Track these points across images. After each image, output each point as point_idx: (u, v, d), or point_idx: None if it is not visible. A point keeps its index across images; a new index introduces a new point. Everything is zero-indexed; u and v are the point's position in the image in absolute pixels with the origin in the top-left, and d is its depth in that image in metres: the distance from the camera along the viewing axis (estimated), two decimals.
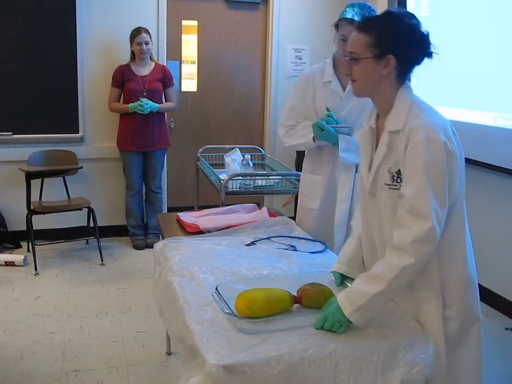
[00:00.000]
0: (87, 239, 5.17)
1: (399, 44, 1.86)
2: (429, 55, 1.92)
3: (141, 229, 5.23)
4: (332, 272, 2.21)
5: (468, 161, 4.20)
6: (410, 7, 4.75)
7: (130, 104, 4.80)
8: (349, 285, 2.05)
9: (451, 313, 1.90)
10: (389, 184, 1.90)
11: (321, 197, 3.03)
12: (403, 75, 1.91)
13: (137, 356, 3.33)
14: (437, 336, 1.87)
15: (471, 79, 4.15)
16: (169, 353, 3.34)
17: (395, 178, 1.87)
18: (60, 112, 5.00)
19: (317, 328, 1.83)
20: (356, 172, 2.93)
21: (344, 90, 2.92)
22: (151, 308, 3.90)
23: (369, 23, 1.92)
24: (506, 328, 3.87)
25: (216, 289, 1.95)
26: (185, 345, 1.85)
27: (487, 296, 4.23)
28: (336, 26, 2.84)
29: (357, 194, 2.91)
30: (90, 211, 4.82)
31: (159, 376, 3.14)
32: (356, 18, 2.72)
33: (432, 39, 1.93)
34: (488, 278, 4.25)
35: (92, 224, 4.91)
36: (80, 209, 4.82)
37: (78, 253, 4.99)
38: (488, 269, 4.23)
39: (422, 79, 4.28)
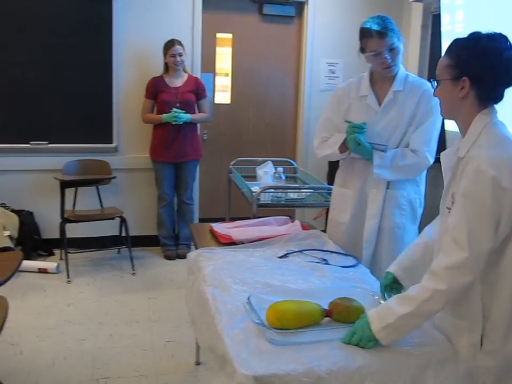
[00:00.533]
0: (119, 248, 5.23)
1: (473, 65, 1.85)
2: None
3: (172, 240, 5.27)
4: (386, 272, 2.24)
5: None
6: (445, 21, 4.73)
7: (164, 115, 4.85)
8: (391, 294, 2.07)
9: (492, 346, 1.83)
10: (449, 208, 1.89)
11: (351, 211, 3.02)
12: (483, 98, 1.88)
13: (167, 365, 3.35)
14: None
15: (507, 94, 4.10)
16: (198, 363, 3.36)
17: (453, 203, 1.86)
18: (95, 122, 5.10)
19: (345, 342, 1.82)
20: (388, 188, 2.95)
21: (380, 105, 2.92)
22: (181, 318, 3.93)
23: (452, 46, 1.95)
24: None
25: (248, 299, 1.96)
26: (216, 354, 1.86)
27: None
28: (362, 49, 2.88)
29: (387, 210, 2.97)
30: (123, 220, 4.89)
31: None
32: (374, 28, 2.77)
33: None
34: None
35: (123, 234, 4.97)
36: (113, 218, 4.88)
37: (109, 262, 5.04)
38: None
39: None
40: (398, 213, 2.99)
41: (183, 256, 5.16)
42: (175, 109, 4.82)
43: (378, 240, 3.02)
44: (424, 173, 3.06)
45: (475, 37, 1.93)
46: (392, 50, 2.81)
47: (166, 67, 4.98)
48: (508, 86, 1.90)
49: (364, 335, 1.81)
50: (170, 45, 4.86)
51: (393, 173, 2.89)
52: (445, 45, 4.67)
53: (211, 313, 2.01)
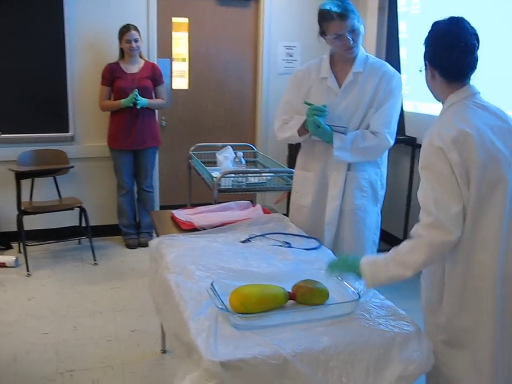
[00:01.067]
0: (79, 239, 5.14)
1: (428, 49, 2.09)
2: (463, 57, 2.01)
3: (133, 228, 5.22)
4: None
5: None
6: (401, 3, 4.76)
7: (122, 100, 4.76)
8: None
9: (444, 320, 1.98)
10: None
11: (313, 194, 3.01)
12: (449, 80, 2.02)
13: (132, 355, 3.32)
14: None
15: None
16: (164, 351, 3.34)
17: None
18: (50, 111, 4.98)
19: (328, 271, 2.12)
20: (349, 170, 2.94)
21: (340, 87, 2.89)
22: (145, 307, 3.90)
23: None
24: None
25: (212, 285, 1.95)
26: (182, 342, 1.85)
27: None
28: (323, 32, 2.84)
29: (348, 191, 2.95)
30: (82, 211, 4.80)
31: (155, 374, 3.13)
32: (334, 10, 2.72)
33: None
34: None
35: (83, 224, 4.89)
36: (72, 208, 4.80)
37: (70, 253, 4.96)
38: None
39: (413, 76, 4.30)
40: (359, 195, 2.98)
41: (145, 245, 5.12)
42: (136, 90, 4.74)
43: (340, 222, 3.01)
44: (386, 154, 3.06)
45: (433, 24, 2.14)
46: (354, 31, 2.78)
47: (122, 53, 4.89)
48: (465, 65, 2.04)
49: (347, 265, 2.06)
50: (125, 30, 4.76)
51: (354, 155, 2.87)
52: (402, 26, 4.73)
53: (175, 301, 1.99)
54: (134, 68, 4.89)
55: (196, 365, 1.67)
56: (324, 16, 2.79)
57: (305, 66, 3.08)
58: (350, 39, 2.78)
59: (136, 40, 4.78)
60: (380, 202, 3.10)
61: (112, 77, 4.85)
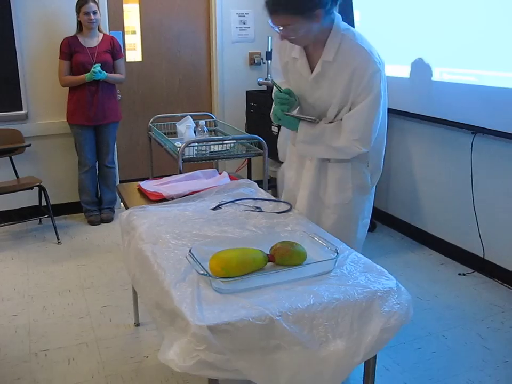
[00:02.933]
0: (40, 219, 5.04)
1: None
2: None
3: (94, 205, 5.14)
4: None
5: (416, 116, 4.32)
6: None
7: (87, 74, 4.63)
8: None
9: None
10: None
11: (294, 169, 2.79)
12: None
13: (106, 330, 3.30)
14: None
15: (416, 35, 4.20)
16: (137, 324, 3.33)
17: None
18: (1, 89, 4.81)
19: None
20: (330, 161, 2.63)
21: (311, 73, 2.48)
22: (114, 282, 3.89)
23: None
24: (459, 274, 4.01)
25: (190, 251, 1.94)
26: (164, 310, 1.84)
27: (440, 245, 4.38)
28: None
29: (329, 183, 2.65)
30: (42, 189, 4.70)
31: (130, 348, 3.12)
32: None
33: None
34: (439, 228, 4.39)
35: (44, 203, 4.80)
36: (31, 188, 4.69)
37: (32, 233, 4.87)
38: (440, 219, 4.37)
39: (368, 38, 4.33)
40: (343, 188, 2.67)
41: (108, 220, 5.09)
42: (95, 64, 4.62)
43: (320, 213, 2.71)
44: (382, 138, 2.65)
45: None
46: (291, 29, 2.32)
47: (80, 26, 4.72)
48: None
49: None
50: (83, 2, 4.59)
51: (319, 151, 2.58)
52: None
53: (154, 270, 1.98)
54: (93, 41, 4.76)
55: (182, 332, 1.67)
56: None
57: None
58: (286, 34, 2.35)
59: (95, 13, 4.63)
60: (372, 186, 2.77)
61: (70, 51, 4.70)
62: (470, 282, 3.90)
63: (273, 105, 2.60)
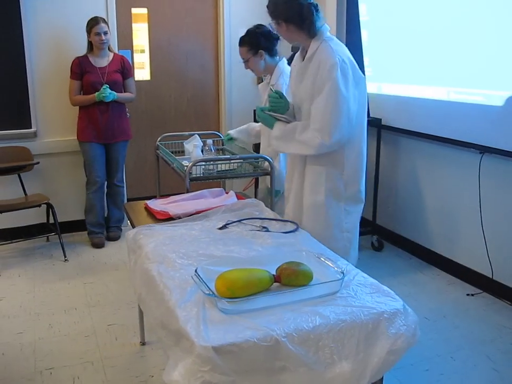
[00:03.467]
0: (48, 236, 5.05)
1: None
2: None
3: (100, 227, 5.07)
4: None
5: (424, 135, 4.33)
6: None
7: (97, 93, 4.66)
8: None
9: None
10: None
11: (288, 181, 3.15)
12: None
13: (112, 349, 3.29)
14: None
15: (424, 56, 4.21)
16: (143, 343, 3.31)
17: None
18: (11, 108, 4.85)
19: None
20: (306, 163, 2.92)
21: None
22: (120, 300, 3.88)
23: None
24: (468, 294, 3.98)
25: (196, 271, 1.94)
26: (169, 330, 1.84)
27: (448, 265, 4.35)
28: None
29: (307, 186, 2.94)
30: (50, 207, 4.72)
31: (136, 367, 3.11)
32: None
33: None
34: (448, 248, 4.36)
35: (51, 221, 4.81)
36: (39, 205, 4.70)
37: (39, 251, 4.88)
38: (448, 239, 4.34)
39: (377, 57, 4.35)
40: (315, 190, 2.93)
41: (115, 239, 5.09)
42: (105, 85, 4.65)
43: (302, 216, 2.96)
44: (360, 145, 2.89)
45: None
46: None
47: (90, 46, 4.76)
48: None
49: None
50: (94, 23, 4.63)
51: (289, 146, 2.87)
52: (362, 8, 4.75)
53: (160, 290, 1.98)
54: (103, 61, 4.78)
55: (187, 352, 1.66)
56: None
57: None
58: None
59: (105, 33, 4.67)
60: (347, 198, 2.92)
61: (81, 70, 4.73)
62: (479, 303, 3.87)
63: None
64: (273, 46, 3.76)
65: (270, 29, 3.13)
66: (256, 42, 3.70)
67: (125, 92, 4.91)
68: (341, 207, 2.90)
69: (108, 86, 4.66)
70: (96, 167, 4.91)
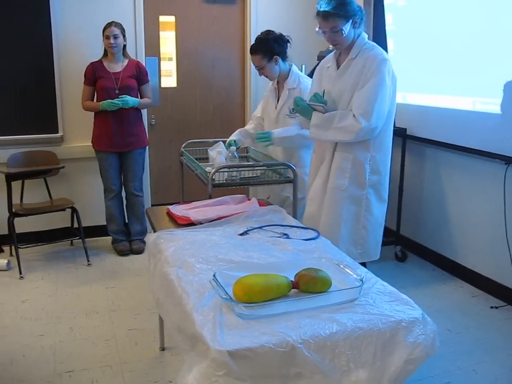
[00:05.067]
0: (72, 240, 5.10)
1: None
2: None
3: (122, 234, 5.06)
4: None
5: (449, 146, 4.29)
6: None
7: (102, 102, 4.64)
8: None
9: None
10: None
11: (314, 173, 3.48)
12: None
13: (131, 353, 3.30)
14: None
15: (449, 65, 4.18)
16: (162, 349, 3.32)
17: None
18: (39, 112, 4.92)
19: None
20: (335, 150, 3.28)
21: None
22: (141, 305, 3.89)
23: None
24: (492, 307, 3.91)
25: (214, 276, 1.94)
26: (186, 334, 1.84)
27: (472, 277, 4.29)
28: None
29: (332, 171, 3.30)
30: (74, 211, 4.76)
31: (155, 372, 3.11)
32: (322, 8, 3.08)
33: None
34: (472, 260, 4.30)
35: (76, 225, 4.86)
36: (64, 209, 4.76)
37: (63, 255, 4.93)
38: (472, 251, 4.28)
39: (402, 67, 4.32)
40: (340, 175, 3.24)
41: (139, 252, 4.98)
42: (122, 96, 4.63)
43: (323, 200, 3.33)
44: (385, 140, 3.27)
45: None
46: (336, 32, 3.07)
47: (106, 51, 4.78)
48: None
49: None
50: (106, 26, 4.63)
51: (328, 133, 3.18)
52: (388, 18, 4.74)
53: (178, 294, 1.98)
54: (117, 66, 4.77)
55: (202, 356, 1.66)
56: (316, 11, 3.11)
57: (324, 59, 3.47)
58: (331, 37, 3.11)
59: (115, 37, 4.62)
60: (370, 187, 3.27)
61: (94, 76, 4.72)
62: (502, 315, 3.80)
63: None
64: (285, 50, 3.90)
65: (319, 36, 3.19)
66: (270, 48, 3.81)
67: (141, 97, 4.86)
68: (363, 195, 3.27)
69: (126, 95, 4.65)
70: (111, 176, 4.89)
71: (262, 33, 3.91)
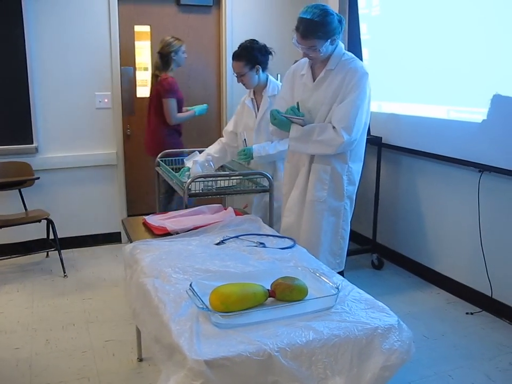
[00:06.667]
0: (47, 252, 5.05)
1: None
2: None
3: None
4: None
5: (424, 154, 4.34)
6: (362, 5, 4.82)
7: (196, 107, 5.00)
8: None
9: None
10: None
11: (289, 184, 3.45)
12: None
13: (108, 365, 3.27)
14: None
15: (424, 74, 4.23)
16: (140, 360, 3.30)
17: None
18: (12, 123, 4.88)
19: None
20: (312, 162, 3.26)
21: (314, 81, 3.21)
22: (118, 316, 3.87)
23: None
24: (467, 313, 3.96)
25: (190, 285, 1.94)
26: (163, 345, 1.83)
27: (448, 283, 4.33)
28: None
29: (311, 183, 3.28)
30: (50, 223, 4.72)
31: (132, 383, 3.09)
32: (301, 29, 3.05)
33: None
34: (447, 267, 4.35)
35: (51, 236, 4.81)
36: (39, 221, 4.71)
37: (38, 266, 4.88)
38: (447, 258, 4.33)
39: (377, 76, 4.37)
40: (319, 187, 3.24)
41: None
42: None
43: (302, 211, 3.31)
44: (359, 151, 3.27)
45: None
46: (314, 50, 3.07)
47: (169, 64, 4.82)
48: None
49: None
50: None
51: (308, 146, 3.16)
52: (363, 27, 4.79)
53: (154, 304, 1.97)
54: None
55: (179, 366, 1.65)
56: (296, 25, 3.09)
57: (296, 63, 3.43)
58: (308, 52, 3.09)
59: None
60: (347, 197, 3.29)
61: None
62: (478, 321, 3.85)
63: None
64: (267, 61, 3.93)
65: (295, 46, 3.15)
66: (254, 57, 3.84)
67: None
68: (342, 204, 3.28)
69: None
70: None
71: (246, 41, 3.91)
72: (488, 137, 3.75)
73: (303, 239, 3.23)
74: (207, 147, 5.01)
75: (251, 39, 3.92)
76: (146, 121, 5.00)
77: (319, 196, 3.24)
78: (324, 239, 3.29)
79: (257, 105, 4.00)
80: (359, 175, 3.36)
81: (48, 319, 3.86)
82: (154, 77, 4.87)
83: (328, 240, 3.31)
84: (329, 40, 3.05)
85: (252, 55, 3.83)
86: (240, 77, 3.89)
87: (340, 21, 3.08)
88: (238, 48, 3.90)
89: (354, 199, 3.36)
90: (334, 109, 3.10)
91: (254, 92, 4.03)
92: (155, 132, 4.91)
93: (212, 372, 1.58)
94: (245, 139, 3.92)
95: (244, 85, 3.96)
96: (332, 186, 3.23)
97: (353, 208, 3.40)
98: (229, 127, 4.27)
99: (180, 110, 4.87)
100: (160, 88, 4.76)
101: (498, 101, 3.63)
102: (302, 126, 3.17)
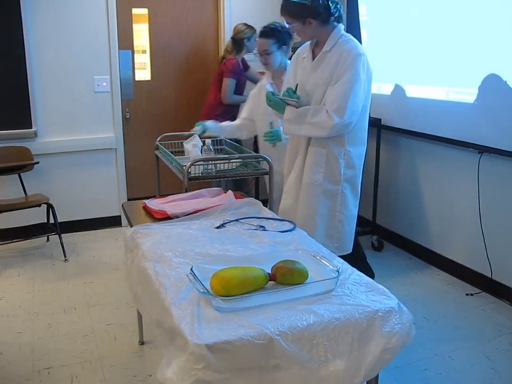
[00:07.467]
0: (48, 236, 5.06)
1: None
2: None
3: None
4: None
5: (424, 135, 4.32)
6: None
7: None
8: None
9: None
10: None
11: (288, 165, 3.45)
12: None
13: (110, 348, 3.29)
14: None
15: (423, 55, 4.21)
16: (142, 343, 3.32)
17: None
18: (11, 107, 4.86)
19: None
20: (309, 145, 3.24)
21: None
22: (119, 300, 3.88)
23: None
24: (467, 294, 3.97)
25: (191, 270, 1.94)
26: (164, 329, 1.84)
27: (447, 265, 4.34)
28: None
29: (307, 166, 3.27)
30: (50, 207, 4.72)
31: (134, 366, 3.11)
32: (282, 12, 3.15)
33: None
34: (447, 248, 4.36)
35: (52, 221, 4.82)
36: (39, 205, 4.71)
37: (39, 251, 4.89)
38: (447, 239, 4.34)
39: (376, 57, 4.34)
40: (315, 170, 3.23)
41: None
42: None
43: (298, 194, 3.33)
44: (358, 134, 3.23)
45: None
46: (292, 28, 3.15)
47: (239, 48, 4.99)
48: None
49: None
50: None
51: (301, 128, 3.14)
52: (362, 9, 4.75)
53: (155, 288, 1.98)
54: None
55: (180, 350, 1.66)
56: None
57: (301, 47, 3.39)
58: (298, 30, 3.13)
59: None
60: (345, 181, 3.26)
61: None
62: (478, 302, 3.86)
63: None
64: (290, 46, 3.98)
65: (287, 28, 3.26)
66: (283, 37, 3.87)
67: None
68: (338, 189, 3.25)
69: None
70: None
71: (272, 23, 3.91)
72: (487, 118, 3.74)
73: (299, 221, 3.20)
74: None
75: (275, 22, 3.94)
76: (207, 97, 5.19)
77: (315, 179, 3.23)
78: (319, 222, 3.28)
79: (278, 89, 3.89)
80: (361, 159, 3.32)
81: (50, 303, 3.88)
82: (221, 58, 5.10)
83: (324, 224, 3.29)
84: (307, 20, 3.05)
85: (282, 35, 3.85)
86: (266, 55, 3.86)
87: (326, 3, 3.05)
88: (266, 27, 3.89)
89: (357, 183, 3.32)
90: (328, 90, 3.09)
91: (272, 76, 4.00)
92: (211, 108, 5.08)
93: (213, 355, 1.59)
94: (271, 122, 3.87)
95: (265, 65, 3.93)
96: (327, 170, 3.21)
97: (358, 192, 3.35)
98: (242, 114, 4.28)
99: (238, 93, 5.00)
100: (223, 67, 4.98)
101: (494, 82, 3.61)
102: (297, 108, 3.15)
